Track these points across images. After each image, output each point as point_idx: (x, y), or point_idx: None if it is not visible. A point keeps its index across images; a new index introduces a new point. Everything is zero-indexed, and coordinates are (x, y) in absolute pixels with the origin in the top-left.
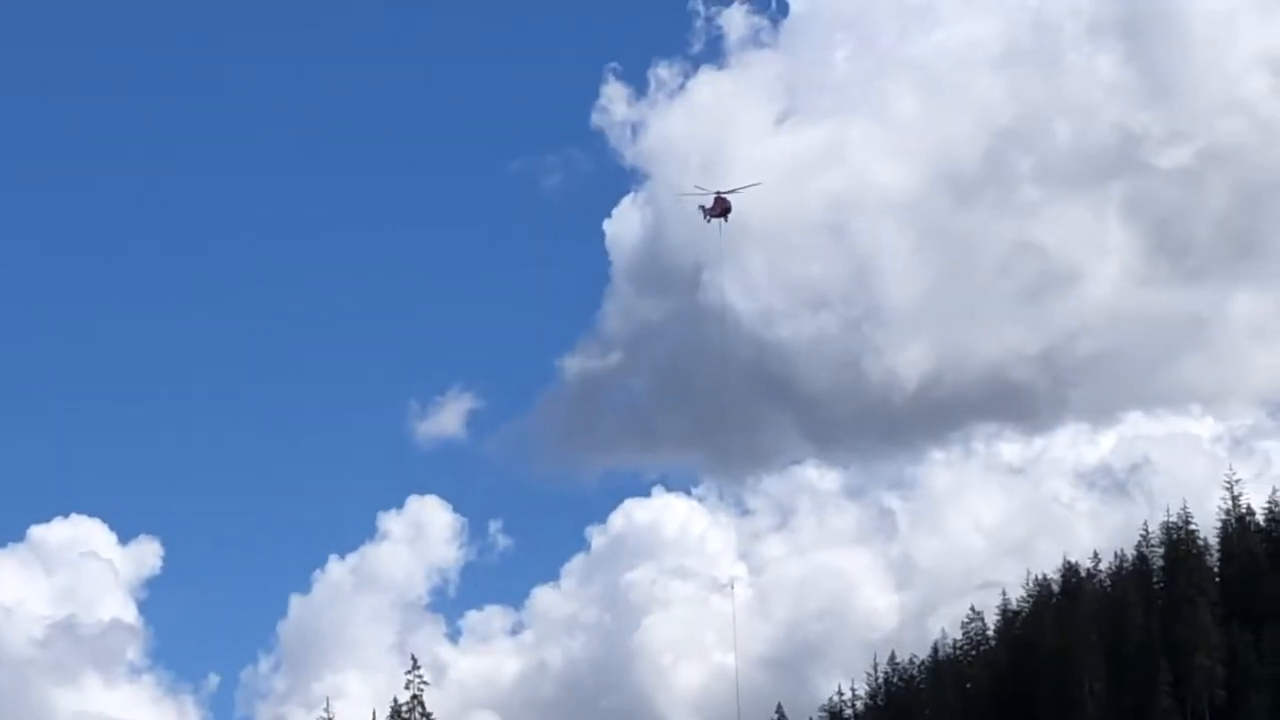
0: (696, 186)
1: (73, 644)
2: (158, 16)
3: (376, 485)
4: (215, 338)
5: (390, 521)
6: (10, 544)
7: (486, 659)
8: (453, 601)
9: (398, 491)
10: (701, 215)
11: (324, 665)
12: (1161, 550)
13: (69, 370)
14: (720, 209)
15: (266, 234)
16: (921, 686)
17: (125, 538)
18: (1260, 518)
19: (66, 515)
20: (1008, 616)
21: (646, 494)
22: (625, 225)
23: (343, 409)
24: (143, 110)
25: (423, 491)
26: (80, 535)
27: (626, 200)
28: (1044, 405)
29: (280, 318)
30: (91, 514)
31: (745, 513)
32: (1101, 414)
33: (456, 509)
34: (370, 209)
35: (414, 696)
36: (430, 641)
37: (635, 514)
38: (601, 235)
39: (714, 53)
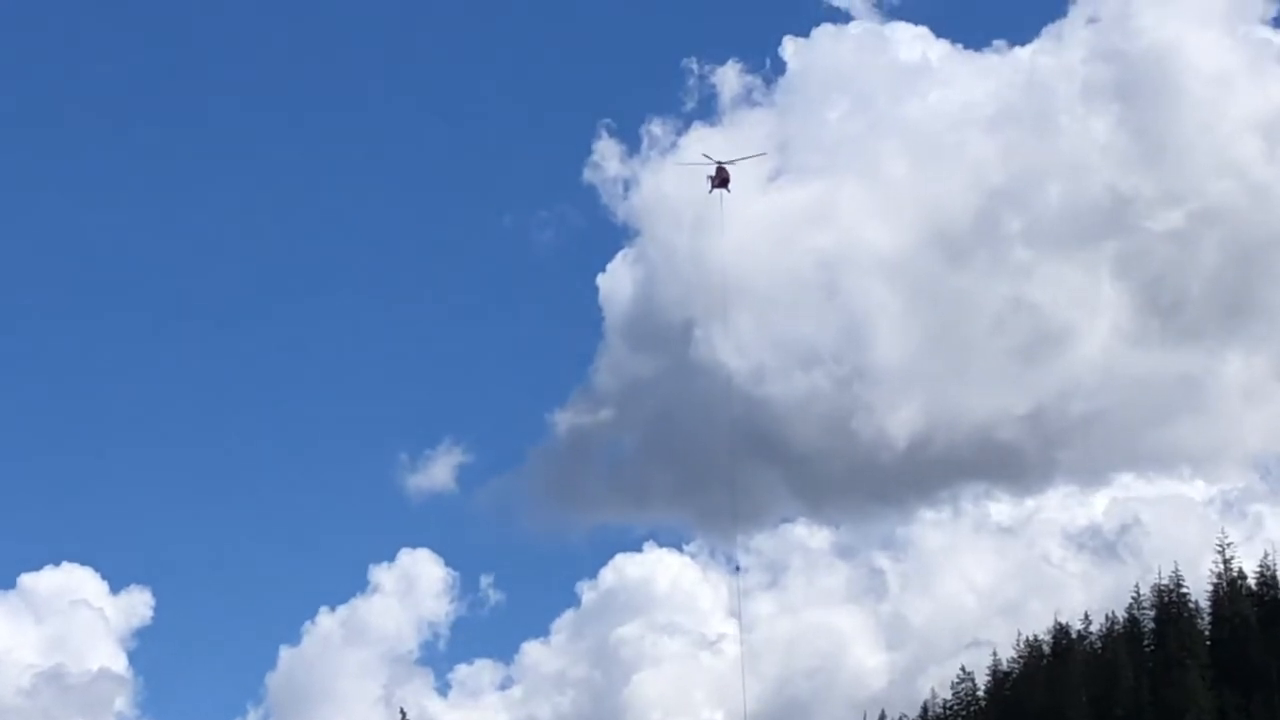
0: (704, 155)
1: (60, 693)
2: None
3: (368, 537)
4: (206, 389)
5: (381, 574)
6: (0, 591)
7: (475, 713)
8: (442, 655)
9: (389, 544)
10: (708, 186)
11: (312, 717)
12: (1153, 613)
13: (64, 418)
14: (721, 179)
15: (257, 286)
16: None
17: (117, 586)
18: (1252, 581)
19: (58, 563)
20: (998, 677)
21: (638, 549)
22: (618, 281)
23: (334, 461)
24: (131, 158)
25: (414, 545)
26: (71, 583)
27: (619, 256)
28: (1034, 465)
29: (271, 368)
30: (83, 562)
31: (736, 570)
32: (1092, 475)
33: (448, 563)
34: (362, 263)
35: None
36: (419, 695)
37: (626, 569)
38: (595, 291)
39: (707, 110)
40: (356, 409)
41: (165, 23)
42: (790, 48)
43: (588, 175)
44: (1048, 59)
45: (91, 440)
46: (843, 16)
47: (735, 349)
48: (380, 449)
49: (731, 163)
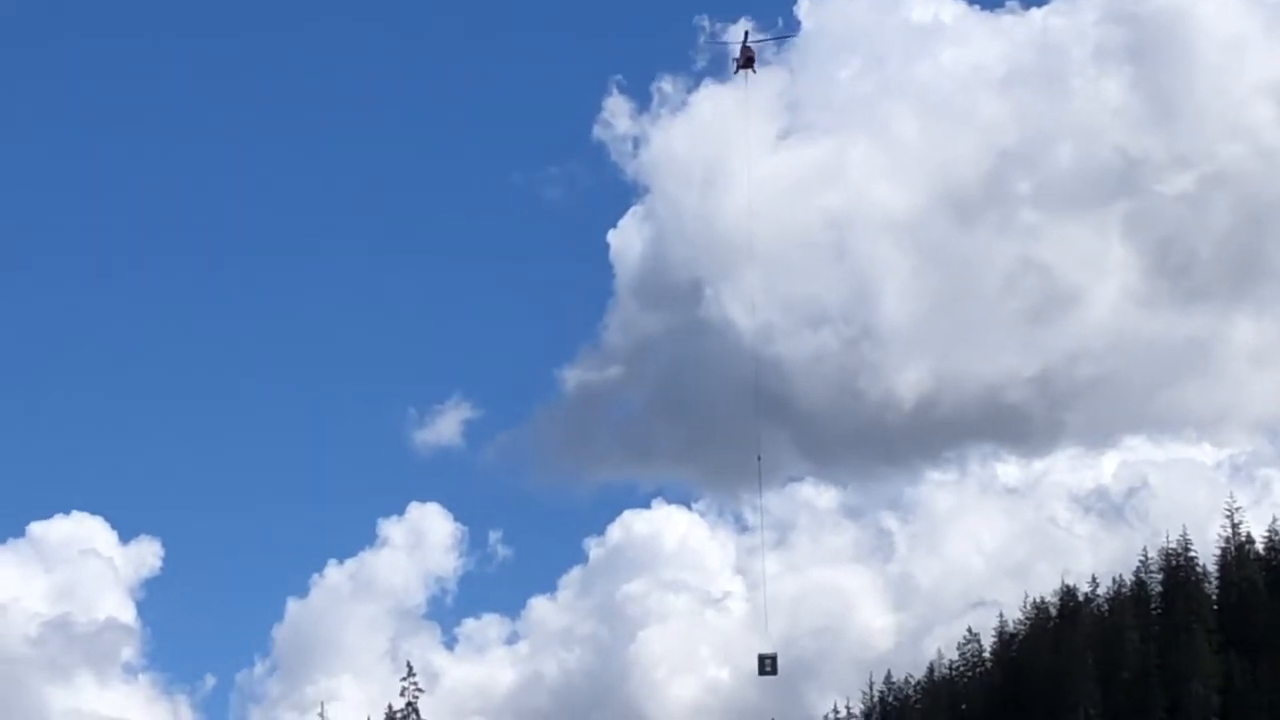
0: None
1: (67, 642)
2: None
3: (377, 491)
4: (219, 342)
5: (390, 528)
6: (10, 540)
7: (481, 668)
8: (449, 610)
9: (399, 498)
10: (733, 67)
11: (318, 670)
12: (1160, 576)
13: (75, 369)
14: (746, 59)
15: (269, 240)
16: (917, 706)
17: (126, 537)
18: (1260, 546)
19: (68, 512)
20: (1004, 638)
21: (646, 506)
22: (628, 238)
23: (344, 414)
24: (150, 112)
25: (424, 499)
26: (81, 533)
27: (629, 214)
28: (1042, 427)
29: (283, 322)
30: (93, 512)
31: (743, 529)
32: (1100, 437)
33: (457, 517)
34: (372, 218)
35: (409, 704)
36: (425, 649)
37: (634, 526)
38: (605, 248)
39: (717, 68)
40: (366, 363)
41: None
42: (804, 6)
43: (597, 132)
44: (1060, 20)
45: (104, 392)
46: None
47: (744, 307)
48: (389, 403)
49: (759, 41)
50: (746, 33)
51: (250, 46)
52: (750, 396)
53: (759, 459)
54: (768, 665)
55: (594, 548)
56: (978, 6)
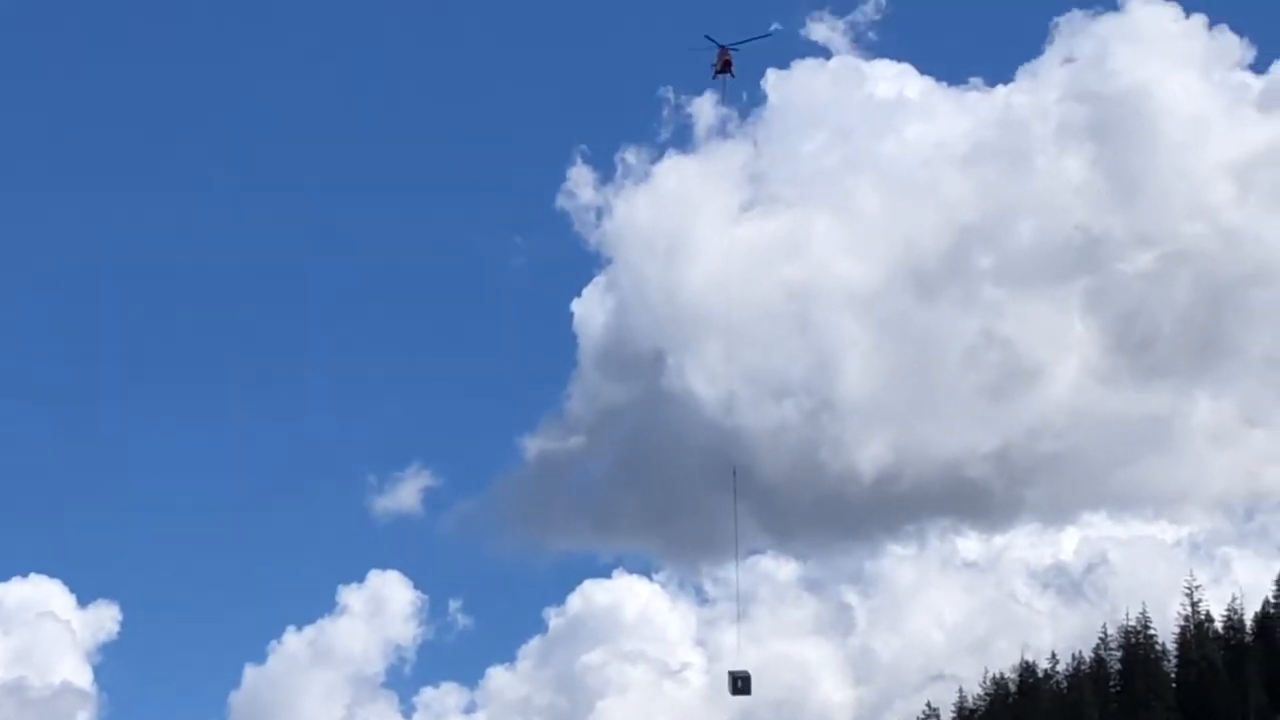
0: (706, 37)
1: (20, 706)
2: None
3: (338, 557)
4: (178, 407)
5: (350, 595)
6: None
7: None
8: (407, 679)
9: (359, 565)
10: (711, 73)
11: None
12: (1119, 653)
13: (37, 432)
14: (724, 64)
15: (231, 305)
16: None
17: (84, 600)
18: (1219, 625)
19: (25, 575)
20: (964, 714)
21: (607, 575)
22: (592, 307)
23: (304, 480)
24: (115, 178)
25: (384, 566)
26: (39, 595)
27: (593, 283)
28: (1002, 503)
29: (244, 387)
30: (51, 575)
31: (704, 600)
32: (1059, 513)
33: (417, 585)
34: (335, 284)
35: None
36: (383, 717)
37: (594, 596)
38: (569, 317)
39: (682, 140)
40: (327, 429)
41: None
42: (770, 79)
43: (561, 202)
44: (1023, 97)
45: (63, 454)
46: (822, 51)
47: (706, 379)
48: (349, 470)
49: (736, 46)
50: (723, 47)
51: (211, 102)
52: (711, 467)
53: (735, 524)
54: (740, 684)
55: (554, 617)
56: (945, 83)
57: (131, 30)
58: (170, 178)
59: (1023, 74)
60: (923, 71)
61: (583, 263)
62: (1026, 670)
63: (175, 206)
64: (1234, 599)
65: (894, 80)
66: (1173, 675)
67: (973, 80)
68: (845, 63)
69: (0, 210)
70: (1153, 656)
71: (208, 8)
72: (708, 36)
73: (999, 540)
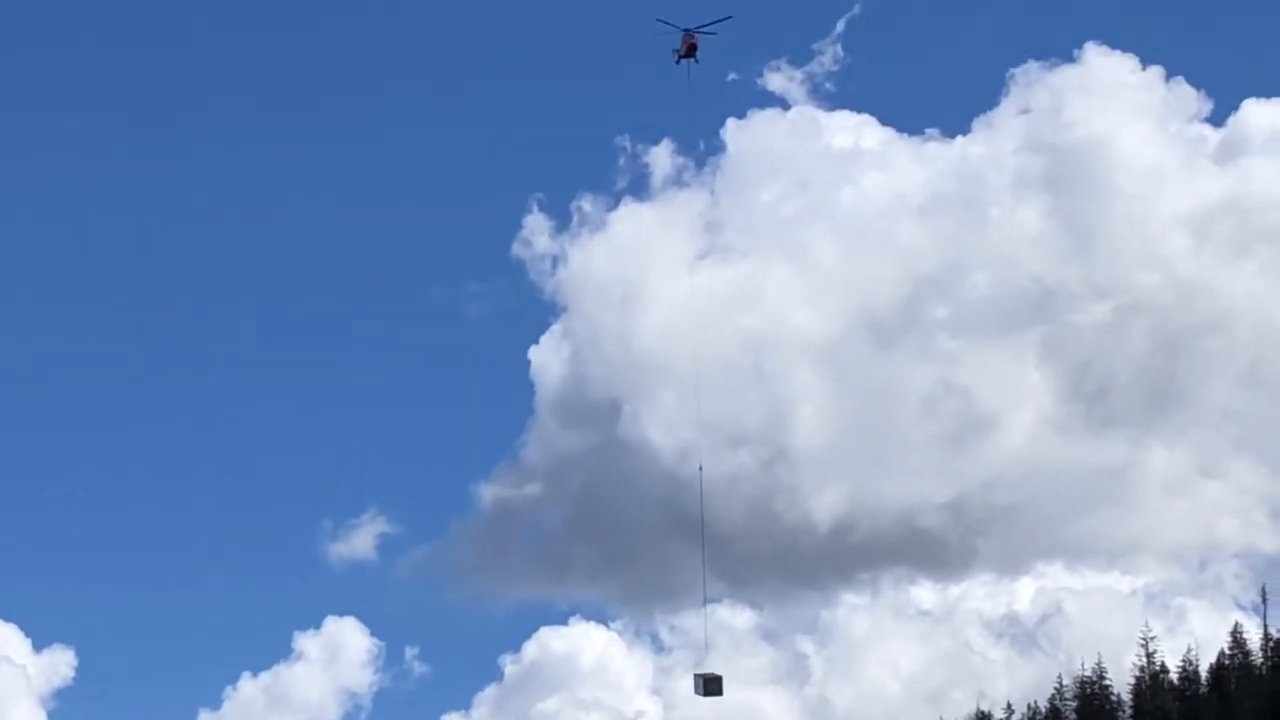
0: (659, 20)
1: None
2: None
3: (294, 603)
4: (134, 453)
5: (306, 641)
6: None
7: None
8: None
9: (316, 611)
10: (674, 58)
11: None
12: (1075, 704)
13: None
14: (689, 48)
15: (181, 351)
16: None
17: (39, 645)
18: (1174, 675)
19: None
20: None
21: (564, 623)
22: (549, 355)
23: (258, 525)
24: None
25: (341, 613)
26: None
27: (550, 331)
28: (957, 553)
29: (198, 433)
30: (6, 619)
31: (660, 648)
32: (1014, 563)
33: (374, 632)
34: (291, 329)
35: None
36: None
37: (550, 643)
38: (526, 365)
39: (638, 188)
40: (282, 475)
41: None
42: (728, 130)
43: (517, 250)
44: (979, 149)
45: (18, 499)
46: (779, 102)
47: (662, 428)
48: (303, 516)
49: (700, 29)
50: (686, 30)
51: (163, 155)
52: (667, 516)
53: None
54: (710, 685)
55: (509, 664)
56: (895, 133)
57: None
58: (130, 227)
59: (979, 125)
60: (880, 122)
61: (538, 311)
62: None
63: (135, 255)
64: (1189, 650)
65: (851, 131)
66: None
67: (929, 131)
68: (803, 113)
69: None
70: (1108, 707)
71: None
72: (661, 19)
73: (954, 590)
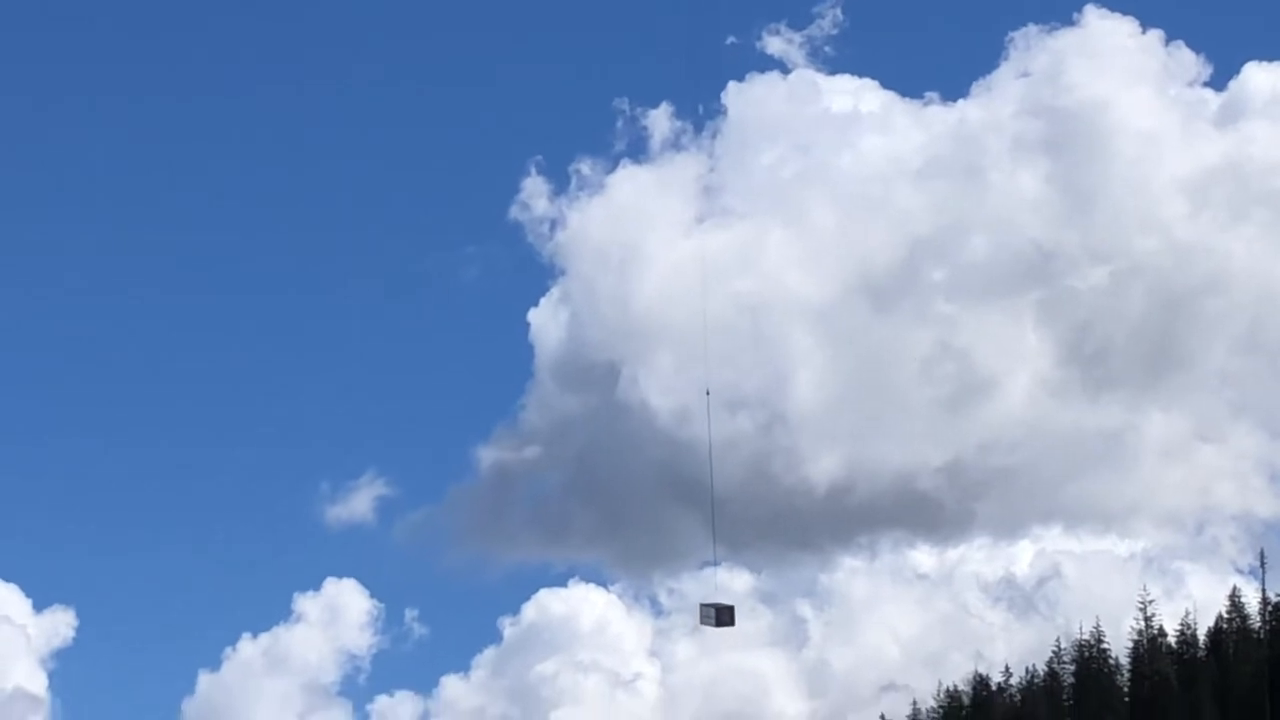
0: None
1: None
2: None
3: (293, 565)
4: (135, 413)
5: (306, 603)
6: None
7: None
8: (362, 687)
9: (316, 573)
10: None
11: None
12: (1073, 667)
13: None
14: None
15: (187, 313)
16: None
17: (40, 605)
18: (1172, 639)
19: None
20: None
21: (563, 584)
22: (548, 318)
23: (258, 486)
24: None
25: (341, 575)
26: None
27: (549, 294)
28: (954, 516)
29: (198, 395)
30: (7, 579)
31: (659, 611)
32: (1012, 527)
33: (374, 594)
34: (288, 294)
35: None
36: None
37: (550, 605)
38: (525, 328)
39: (636, 151)
40: (281, 437)
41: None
42: (727, 94)
43: (515, 213)
44: (978, 112)
45: (17, 460)
46: (778, 65)
47: (659, 390)
48: (302, 478)
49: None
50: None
51: (174, 122)
52: (665, 479)
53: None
54: (725, 616)
55: (508, 627)
56: (894, 97)
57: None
58: (131, 191)
59: (978, 88)
60: (881, 86)
61: (537, 274)
62: (980, 683)
63: (142, 223)
64: (1187, 614)
65: (851, 94)
66: (1126, 689)
67: (929, 95)
68: (802, 76)
69: None
70: (1106, 670)
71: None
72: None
73: (952, 553)
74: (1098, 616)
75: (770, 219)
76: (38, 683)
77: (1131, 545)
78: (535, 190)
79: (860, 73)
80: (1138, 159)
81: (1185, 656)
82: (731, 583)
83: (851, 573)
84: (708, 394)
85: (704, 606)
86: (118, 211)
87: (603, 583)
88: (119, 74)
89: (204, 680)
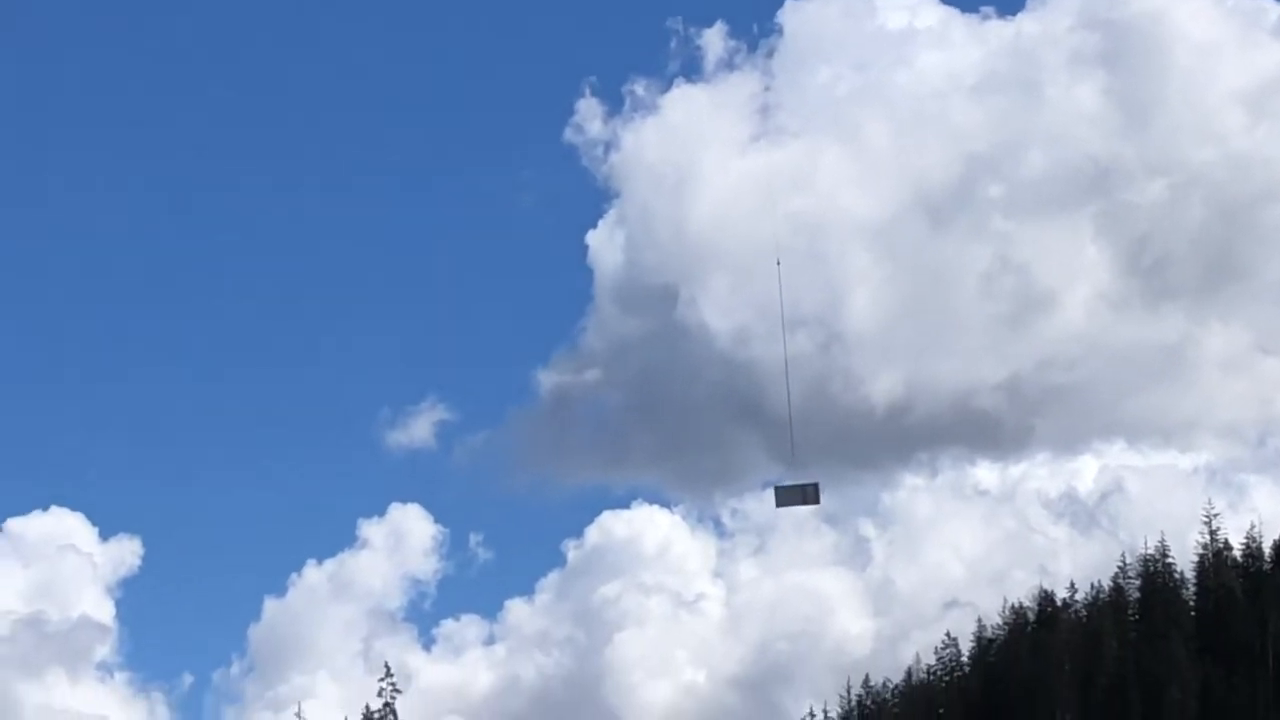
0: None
1: (39, 640)
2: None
3: (357, 491)
4: (198, 343)
5: (371, 529)
6: None
7: (458, 669)
8: (427, 612)
9: (379, 499)
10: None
11: (294, 670)
12: (1138, 583)
13: (60, 366)
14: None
15: (244, 242)
16: (894, 711)
17: (106, 534)
18: (1237, 553)
19: (47, 508)
20: (982, 644)
21: (626, 506)
22: (606, 241)
23: (320, 413)
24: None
25: (405, 500)
26: (60, 529)
27: (606, 216)
28: (1014, 433)
29: (260, 325)
30: (73, 508)
31: (721, 532)
32: (1073, 443)
33: (438, 519)
34: (347, 222)
35: (386, 704)
36: (402, 650)
37: (613, 528)
38: (583, 251)
39: (690, 71)
40: (342, 363)
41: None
42: (783, 11)
43: (569, 135)
44: (1034, 26)
45: (87, 390)
46: None
47: (718, 311)
48: (364, 404)
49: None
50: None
51: (225, 51)
52: (725, 399)
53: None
54: (810, 494)
55: (571, 550)
56: (959, 10)
57: None
58: (171, 126)
59: (1034, 2)
60: (937, 1)
61: (591, 197)
62: (1045, 599)
63: (188, 154)
64: (1252, 526)
65: (907, 10)
66: (1191, 604)
67: (985, 9)
68: None
69: None
70: (1171, 585)
71: None
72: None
73: (1013, 470)
74: (1162, 531)
75: (826, 137)
76: (104, 611)
77: (1194, 459)
78: (589, 112)
79: None
80: (1195, 70)
81: (1251, 569)
82: None
83: (913, 491)
84: (778, 264)
85: (782, 489)
86: (182, 142)
87: (665, 504)
88: None
89: (270, 607)
